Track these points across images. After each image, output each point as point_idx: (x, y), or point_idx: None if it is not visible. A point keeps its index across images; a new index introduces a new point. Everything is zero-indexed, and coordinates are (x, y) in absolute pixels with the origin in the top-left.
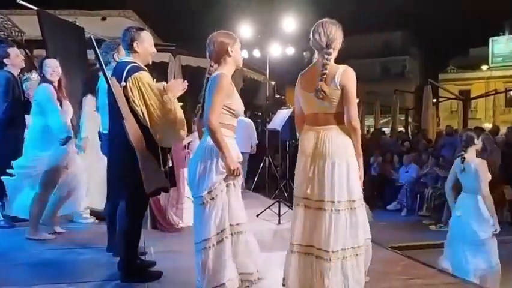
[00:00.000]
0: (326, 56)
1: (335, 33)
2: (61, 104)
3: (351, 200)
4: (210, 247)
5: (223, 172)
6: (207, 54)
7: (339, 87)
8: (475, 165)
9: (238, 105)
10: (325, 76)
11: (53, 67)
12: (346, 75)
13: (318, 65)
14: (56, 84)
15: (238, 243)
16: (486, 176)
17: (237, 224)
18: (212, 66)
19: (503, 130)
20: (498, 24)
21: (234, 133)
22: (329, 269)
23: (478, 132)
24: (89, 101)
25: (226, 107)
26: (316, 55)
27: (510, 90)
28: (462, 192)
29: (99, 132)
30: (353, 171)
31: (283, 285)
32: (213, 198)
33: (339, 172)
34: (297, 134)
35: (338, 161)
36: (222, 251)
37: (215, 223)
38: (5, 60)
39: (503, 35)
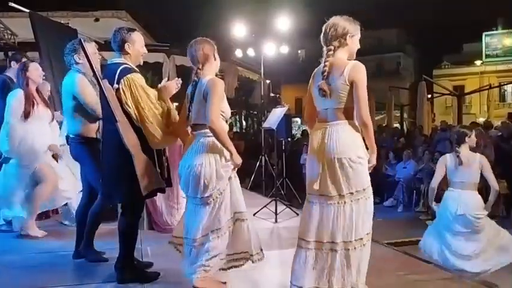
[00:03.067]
0: (326, 53)
1: (336, 29)
2: (29, 113)
3: (356, 191)
4: (222, 235)
5: (228, 170)
6: (191, 58)
7: (347, 82)
8: (478, 162)
9: (227, 108)
10: (325, 74)
11: (40, 70)
12: (355, 70)
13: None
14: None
15: (240, 230)
16: (491, 170)
17: (240, 212)
18: (200, 70)
19: (497, 124)
20: (491, 20)
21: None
22: (338, 259)
23: (471, 128)
24: None
25: (220, 110)
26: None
27: (504, 84)
28: (453, 188)
29: (66, 136)
30: (359, 165)
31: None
32: (221, 193)
33: (345, 167)
34: (308, 130)
35: (344, 156)
36: (224, 238)
37: (225, 213)
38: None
39: (496, 30)
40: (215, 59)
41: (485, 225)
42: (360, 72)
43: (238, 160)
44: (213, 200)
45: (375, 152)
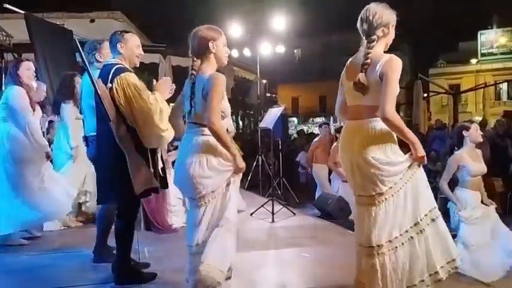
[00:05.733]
0: (368, 44)
1: (378, 18)
2: (34, 109)
3: (386, 190)
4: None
5: (225, 171)
6: (190, 48)
7: (379, 77)
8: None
9: (227, 106)
10: (366, 67)
11: (32, 70)
12: (388, 64)
13: (362, 54)
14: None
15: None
16: (449, 168)
17: (227, 219)
18: (195, 61)
19: (492, 123)
20: (486, 18)
21: None
22: (375, 264)
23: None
24: (71, 108)
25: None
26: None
27: (499, 83)
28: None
29: (84, 136)
30: (387, 165)
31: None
32: (215, 197)
33: (373, 167)
34: (342, 123)
35: (371, 155)
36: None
37: (216, 220)
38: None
39: (491, 28)
40: (211, 52)
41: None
42: (393, 65)
43: (241, 164)
44: (205, 202)
45: (416, 142)
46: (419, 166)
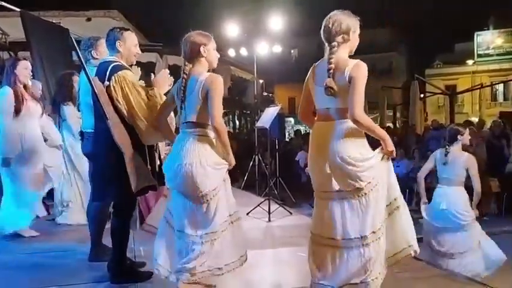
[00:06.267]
0: (330, 50)
1: (337, 26)
2: (20, 109)
3: (364, 185)
4: (215, 239)
5: (221, 168)
6: (182, 53)
7: (348, 81)
8: (464, 160)
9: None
10: (331, 72)
11: (29, 69)
12: (355, 69)
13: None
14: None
15: (238, 229)
16: (477, 172)
17: (235, 212)
18: (186, 66)
19: (489, 123)
20: (483, 20)
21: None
22: (362, 253)
23: (465, 126)
24: (71, 109)
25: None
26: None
27: (495, 84)
28: (440, 184)
29: (81, 131)
30: (361, 162)
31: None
32: (216, 194)
33: (349, 164)
34: (306, 127)
35: (347, 155)
36: (224, 239)
37: (221, 215)
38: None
39: (488, 29)
40: (203, 56)
41: (471, 227)
42: (359, 70)
43: (233, 161)
44: (208, 200)
45: (386, 138)
46: (387, 159)
